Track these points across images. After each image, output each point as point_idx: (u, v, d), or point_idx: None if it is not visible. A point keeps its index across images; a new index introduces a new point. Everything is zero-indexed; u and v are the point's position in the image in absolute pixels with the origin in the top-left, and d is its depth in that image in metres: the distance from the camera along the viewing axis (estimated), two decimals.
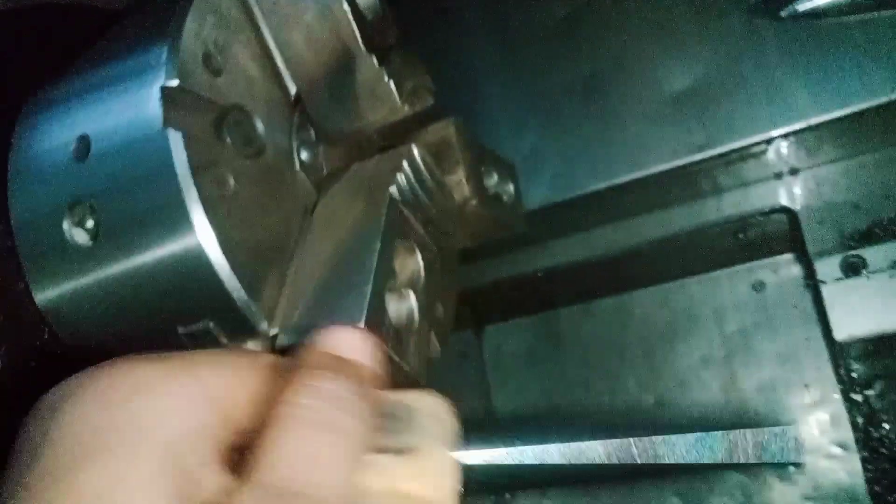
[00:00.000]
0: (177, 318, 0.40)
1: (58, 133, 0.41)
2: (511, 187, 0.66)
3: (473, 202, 0.56)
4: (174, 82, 0.38)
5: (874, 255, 0.85)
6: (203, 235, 0.37)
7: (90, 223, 0.40)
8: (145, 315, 0.40)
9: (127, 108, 0.39)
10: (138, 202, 0.39)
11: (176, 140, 0.37)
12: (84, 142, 0.40)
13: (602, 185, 0.91)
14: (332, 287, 0.41)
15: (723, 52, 0.87)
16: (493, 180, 0.64)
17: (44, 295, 0.41)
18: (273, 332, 0.40)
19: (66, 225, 0.41)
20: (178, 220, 0.37)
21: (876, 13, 0.67)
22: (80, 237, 0.41)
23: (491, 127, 0.97)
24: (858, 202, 0.90)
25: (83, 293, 0.40)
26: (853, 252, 0.85)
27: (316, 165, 0.50)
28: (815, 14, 0.66)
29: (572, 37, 0.96)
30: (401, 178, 0.47)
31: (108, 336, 0.41)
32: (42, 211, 0.41)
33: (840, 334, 0.84)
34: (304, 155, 0.49)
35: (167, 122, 0.37)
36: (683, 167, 0.89)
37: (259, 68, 0.46)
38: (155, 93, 0.38)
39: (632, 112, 0.90)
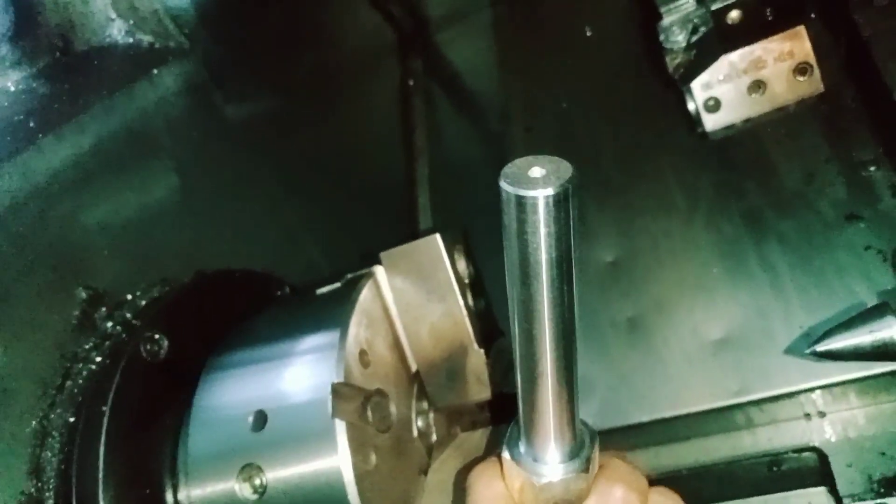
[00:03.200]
0: None
1: (238, 403, 0.53)
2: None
3: None
4: (341, 379, 0.50)
5: None
6: None
7: (258, 482, 0.51)
8: None
9: (303, 396, 0.51)
10: (303, 474, 0.49)
11: (341, 429, 0.49)
12: (262, 416, 0.52)
13: (646, 417, 1.01)
14: None
15: (752, 308, 0.99)
16: None
17: None
18: None
19: (236, 483, 0.51)
20: (336, 493, 0.47)
21: None
22: (247, 492, 0.51)
23: None
24: (884, 449, 0.98)
25: None
26: (882, 501, 0.92)
27: (428, 432, 0.61)
28: (831, 355, 0.79)
29: (618, 279, 1.10)
30: None
31: None
32: (218, 467, 0.52)
33: None
34: (420, 423, 0.60)
35: (335, 413, 0.49)
36: (720, 408, 0.98)
37: (391, 354, 0.58)
38: (327, 388, 0.50)
39: (672, 354, 1.02)
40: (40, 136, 0.63)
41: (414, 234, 1.29)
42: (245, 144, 0.89)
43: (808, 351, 0.80)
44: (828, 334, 0.79)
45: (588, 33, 1.27)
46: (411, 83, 1.43)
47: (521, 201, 0.38)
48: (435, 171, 1.36)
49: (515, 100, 1.38)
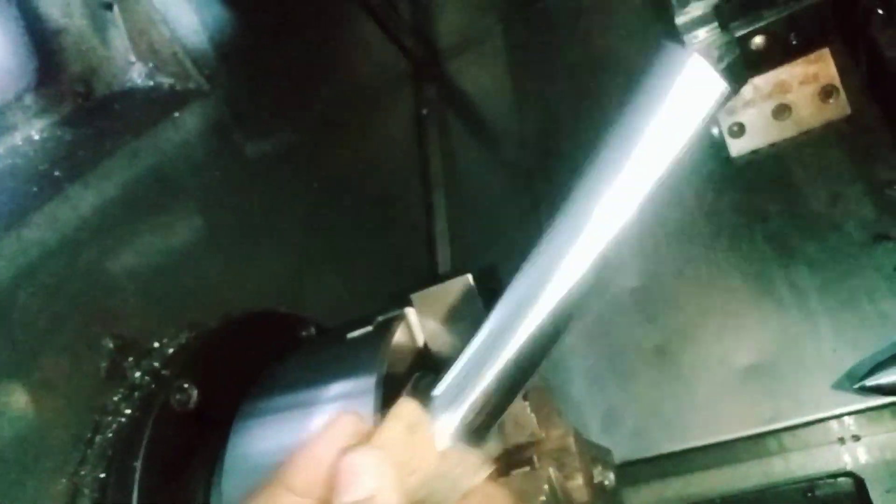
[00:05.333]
0: None
1: (272, 451, 0.52)
2: (612, 475, 0.74)
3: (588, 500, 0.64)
4: None
5: None
6: None
7: None
8: None
9: None
10: None
11: None
12: None
13: (677, 447, 0.99)
14: None
15: (781, 332, 0.98)
16: (598, 470, 0.72)
17: None
18: None
19: None
20: None
21: None
22: None
23: (570, 384, 1.07)
24: None
25: None
26: None
27: None
28: (881, 390, 0.77)
29: (643, 306, 1.09)
30: (543, 498, 0.56)
31: None
32: None
33: None
34: None
35: None
36: (752, 435, 0.96)
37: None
38: None
39: (701, 381, 1.00)
40: (66, 184, 0.63)
41: (433, 263, 1.28)
42: (265, 182, 0.88)
43: (856, 386, 0.79)
44: (878, 368, 0.77)
45: (604, 56, 1.27)
46: (425, 112, 1.43)
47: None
48: (452, 199, 1.36)
49: (532, 125, 1.38)
